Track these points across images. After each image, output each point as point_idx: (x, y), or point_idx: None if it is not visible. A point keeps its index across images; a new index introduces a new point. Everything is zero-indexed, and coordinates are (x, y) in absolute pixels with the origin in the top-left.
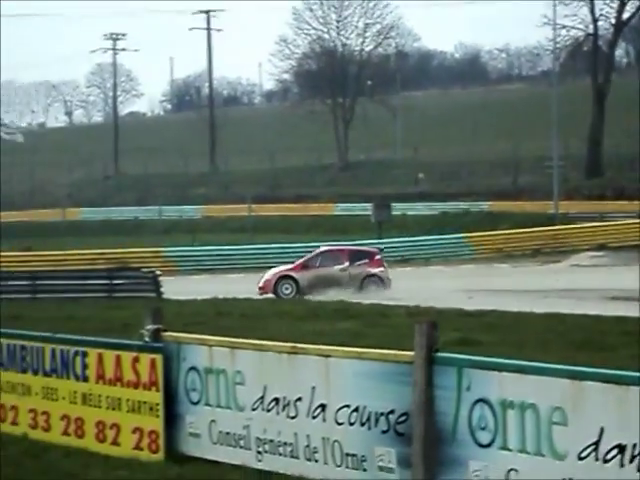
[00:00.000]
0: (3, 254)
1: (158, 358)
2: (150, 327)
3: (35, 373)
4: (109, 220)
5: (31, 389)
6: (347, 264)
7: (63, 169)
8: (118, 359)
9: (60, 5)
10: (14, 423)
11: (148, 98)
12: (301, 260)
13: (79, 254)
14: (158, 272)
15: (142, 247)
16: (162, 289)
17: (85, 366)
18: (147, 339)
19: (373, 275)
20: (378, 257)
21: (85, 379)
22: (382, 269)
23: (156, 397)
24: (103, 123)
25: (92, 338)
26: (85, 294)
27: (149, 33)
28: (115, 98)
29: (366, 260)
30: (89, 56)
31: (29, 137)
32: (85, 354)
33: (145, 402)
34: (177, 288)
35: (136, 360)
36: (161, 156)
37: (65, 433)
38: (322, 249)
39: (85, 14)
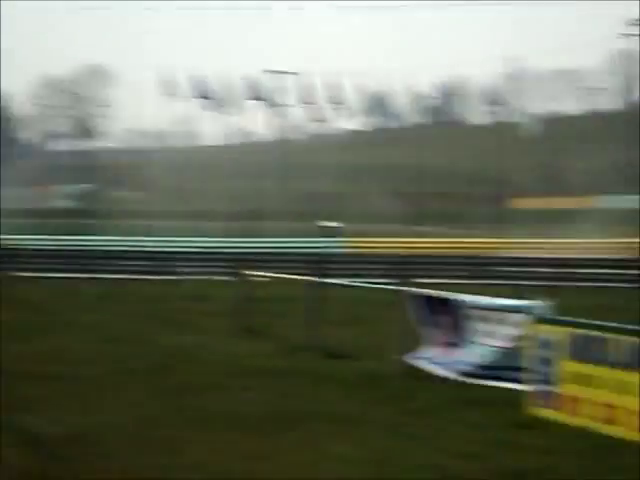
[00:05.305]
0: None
1: None
2: None
3: (599, 364)
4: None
5: (592, 380)
6: None
7: (578, 156)
8: None
9: None
10: (574, 414)
11: None
12: None
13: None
14: None
15: None
16: None
17: None
18: None
19: None
20: None
21: None
22: None
23: None
24: (623, 111)
25: None
26: (614, 284)
27: None
28: None
29: None
30: (604, 42)
31: (547, 125)
32: None
33: None
34: None
35: None
36: None
37: None
38: None
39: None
